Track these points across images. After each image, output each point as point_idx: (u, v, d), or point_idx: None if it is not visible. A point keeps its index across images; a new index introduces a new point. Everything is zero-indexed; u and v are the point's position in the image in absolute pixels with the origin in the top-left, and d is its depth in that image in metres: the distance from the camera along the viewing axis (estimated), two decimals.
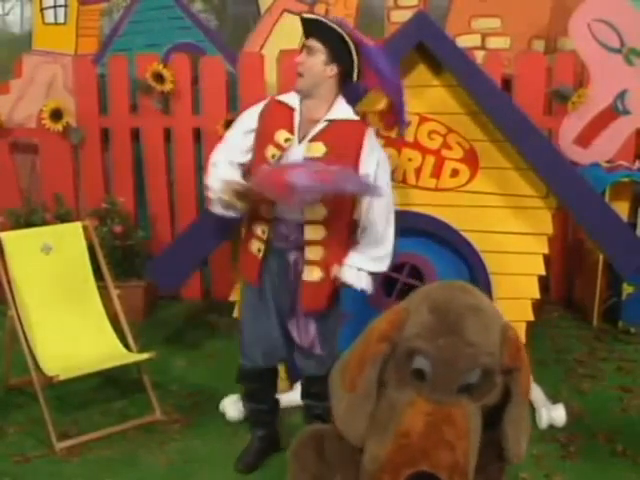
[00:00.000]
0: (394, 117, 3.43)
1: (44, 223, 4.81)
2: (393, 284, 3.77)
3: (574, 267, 5.60)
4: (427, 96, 3.77)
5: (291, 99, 3.13)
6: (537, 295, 3.84)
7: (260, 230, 3.12)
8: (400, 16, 5.83)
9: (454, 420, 1.86)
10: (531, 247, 3.80)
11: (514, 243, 3.78)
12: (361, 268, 3.12)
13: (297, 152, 3.04)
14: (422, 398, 1.90)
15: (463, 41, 5.76)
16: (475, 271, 3.81)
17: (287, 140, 3.04)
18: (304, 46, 3.05)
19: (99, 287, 4.07)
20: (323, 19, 3.06)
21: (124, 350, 3.91)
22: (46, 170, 5.76)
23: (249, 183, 3.01)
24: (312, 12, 6.07)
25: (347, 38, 3.00)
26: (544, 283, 4.35)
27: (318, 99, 3.07)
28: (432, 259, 3.82)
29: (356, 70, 3.06)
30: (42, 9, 6.24)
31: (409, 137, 3.77)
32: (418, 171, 3.80)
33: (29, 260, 3.89)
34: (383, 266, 3.18)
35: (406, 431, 1.86)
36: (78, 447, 3.55)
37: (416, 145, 3.79)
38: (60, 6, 6.22)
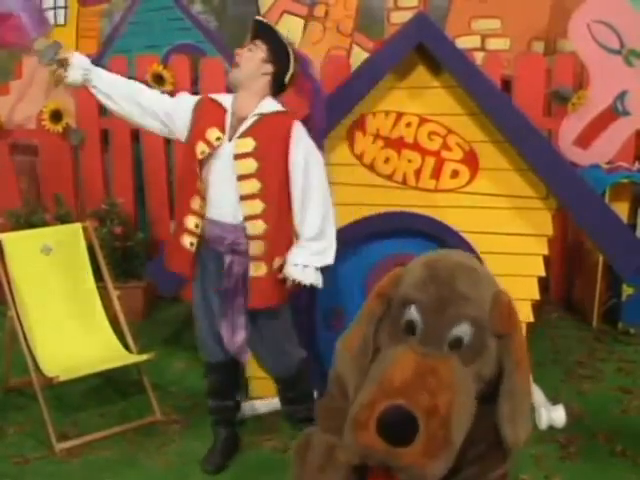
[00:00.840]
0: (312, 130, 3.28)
1: (44, 224, 4.81)
2: None
3: (574, 268, 5.60)
4: (427, 97, 3.77)
5: (224, 99, 3.18)
6: (537, 296, 3.84)
7: (193, 224, 3.12)
8: (400, 17, 5.83)
9: (439, 372, 1.85)
10: (531, 248, 3.80)
11: (514, 244, 3.78)
12: (306, 264, 3.09)
13: (226, 149, 3.07)
14: (411, 350, 1.91)
15: (463, 42, 5.77)
16: None
17: (218, 139, 3.07)
18: (247, 44, 3.14)
19: (99, 288, 4.08)
20: (273, 26, 3.22)
21: (124, 351, 3.91)
22: (46, 171, 5.76)
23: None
24: (313, 15, 6.08)
25: (289, 49, 3.12)
26: (544, 284, 4.34)
27: (249, 93, 3.12)
28: None
29: (289, 75, 3.14)
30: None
31: (409, 138, 3.77)
32: (418, 172, 3.80)
33: (29, 261, 3.89)
34: (328, 259, 3.16)
35: (390, 377, 1.86)
36: (78, 448, 3.56)
37: (416, 146, 3.79)
38: (60, 7, 6.22)
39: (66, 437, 3.63)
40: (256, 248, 3.06)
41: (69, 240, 4.05)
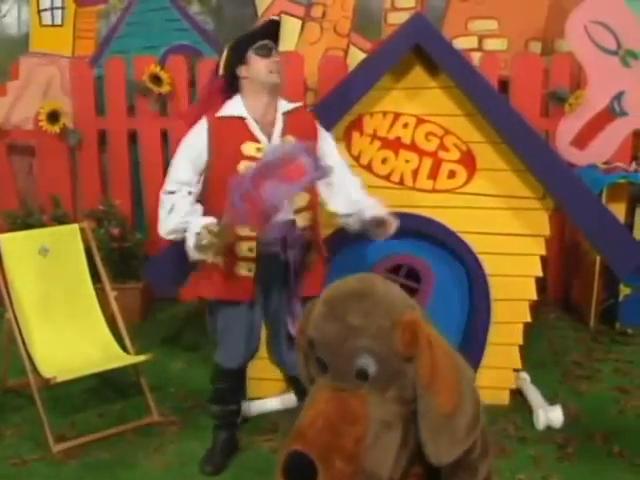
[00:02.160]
0: None
1: (41, 225, 4.81)
2: None
3: (571, 268, 5.60)
4: (424, 98, 3.77)
5: (234, 110, 3.14)
6: (534, 296, 3.84)
7: (247, 248, 3.10)
8: (397, 18, 5.82)
9: (347, 407, 1.85)
10: (528, 248, 3.80)
11: (511, 244, 3.79)
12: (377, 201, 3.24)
13: None
14: (325, 386, 1.91)
15: (460, 43, 5.76)
16: (472, 273, 3.81)
17: (259, 149, 3.06)
18: (269, 48, 3.10)
19: (96, 289, 4.07)
20: (277, 19, 3.23)
21: (121, 352, 3.91)
22: (43, 172, 5.76)
23: (224, 223, 2.93)
24: (310, 16, 6.08)
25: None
26: (541, 284, 4.35)
27: (273, 98, 3.16)
28: (429, 261, 3.83)
29: None
30: (39, 11, 6.22)
31: (406, 139, 3.78)
32: (415, 173, 3.81)
33: (26, 262, 3.89)
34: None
35: (300, 419, 1.88)
36: (75, 449, 3.55)
37: (413, 147, 3.79)
38: (57, 8, 6.20)
39: (64, 438, 3.63)
40: (307, 237, 3.17)
41: (66, 241, 4.05)
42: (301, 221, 3.11)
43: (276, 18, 3.25)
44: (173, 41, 6.27)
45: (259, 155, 3.02)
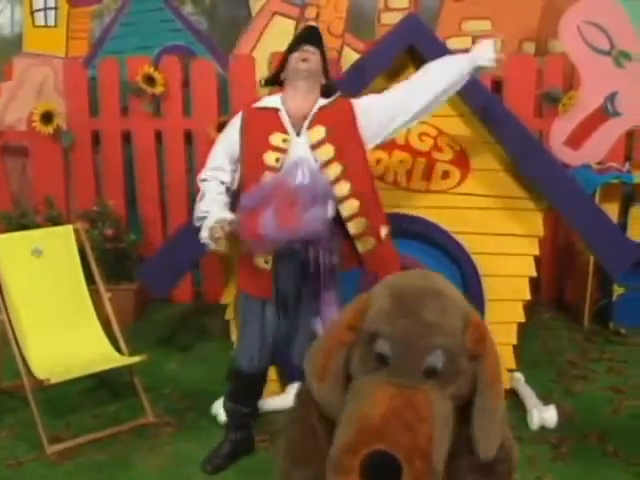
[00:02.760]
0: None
1: (35, 226, 4.80)
2: None
3: (565, 269, 5.61)
4: None
5: (270, 102, 3.19)
6: (528, 296, 3.85)
7: None
8: (391, 18, 5.83)
9: (416, 404, 1.85)
10: (522, 249, 3.81)
11: (505, 245, 3.79)
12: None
13: (298, 145, 3.08)
14: (385, 382, 1.90)
15: (453, 43, 5.76)
16: (466, 273, 3.82)
17: (285, 140, 3.07)
18: (303, 50, 3.11)
19: (90, 290, 4.06)
20: (323, 37, 3.21)
21: (115, 353, 3.90)
22: (37, 173, 5.75)
23: (236, 223, 2.96)
24: (304, 17, 6.08)
25: (325, 48, 3.19)
26: (535, 284, 4.36)
27: (310, 93, 3.15)
28: (423, 261, 3.83)
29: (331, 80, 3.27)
30: (32, 12, 6.21)
31: (400, 139, 3.78)
32: (409, 173, 3.81)
33: (20, 263, 3.88)
34: None
35: (367, 414, 1.85)
36: (70, 451, 3.54)
37: (407, 147, 3.79)
38: (50, 8, 6.19)
39: (58, 439, 3.62)
40: (358, 226, 3.12)
41: (60, 242, 4.04)
42: (346, 210, 3.09)
43: (312, 24, 3.27)
44: (167, 42, 6.26)
45: (285, 146, 3.05)
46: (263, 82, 3.31)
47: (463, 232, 3.79)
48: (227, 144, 3.20)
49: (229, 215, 3.04)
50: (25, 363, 3.65)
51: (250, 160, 3.11)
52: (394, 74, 3.75)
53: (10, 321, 3.73)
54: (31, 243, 3.95)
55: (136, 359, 3.80)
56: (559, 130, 4.66)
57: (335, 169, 3.07)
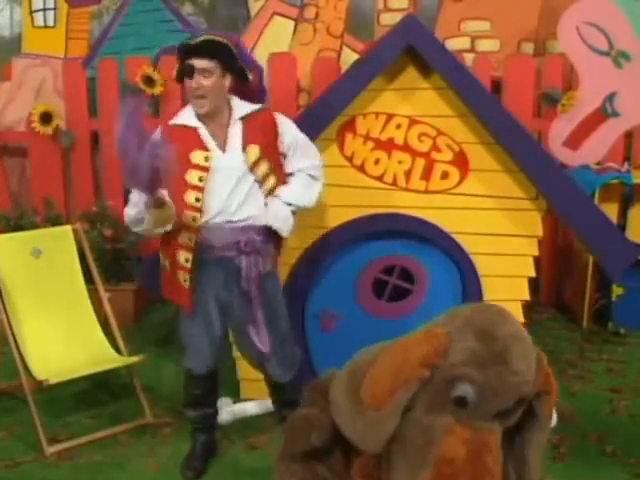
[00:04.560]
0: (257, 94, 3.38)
1: (34, 227, 4.80)
2: (383, 286, 3.77)
3: (564, 269, 5.62)
4: (417, 99, 3.78)
5: (187, 119, 3.14)
6: (527, 297, 3.85)
7: (184, 259, 3.10)
8: (390, 19, 5.83)
9: (491, 446, 1.86)
10: (521, 249, 3.81)
11: (504, 245, 3.79)
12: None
13: (227, 160, 3.07)
14: (461, 425, 1.87)
15: (453, 44, 5.77)
16: (465, 273, 3.82)
17: (207, 158, 3.05)
18: (193, 69, 3.02)
19: (89, 290, 4.07)
20: (208, 37, 3.07)
21: (114, 353, 3.90)
22: (36, 173, 5.74)
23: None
24: (303, 17, 6.07)
25: (230, 46, 3.08)
26: (534, 285, 4.35)
27: (221, 109, 3.13)
28: (422, 261, 3.83)
29: (247, 70, 3.18)
30: (31, 12, 6.21)
31: (399, 140, 3.78)
32: (408, 174, 3.81)
33: (19, 264, 3.88)
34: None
35: (449, 458, 1.83)
36: (68, 451, 3.55)
37: (406, 148, 3.79)
38: (49, 9, 6.19)
39: (57, 440, 3.62)
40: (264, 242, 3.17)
41: (59, 243, 4.04)
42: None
43: (190, 42, 3.09)
44: (166, 42, 6.24)
45: (207, 164, 3.04)
46: (175, 77, 3.18)
47: (462, 232, 3.79)
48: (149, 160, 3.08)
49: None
50: (24, 363, 3.65)
51: (172, 179, 2.98)
52: (393, 75, 3.75)
53: (9, 321, 3.73)
54: (30, 244, 3.96)
55: (135, 359, 3.80)
56: (558, 130, 4.64)
57: (271, 183, 3.14)
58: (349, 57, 5.83)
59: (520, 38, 5.98)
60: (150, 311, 5.50)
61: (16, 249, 3.91)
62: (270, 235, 3.15)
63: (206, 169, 3.04)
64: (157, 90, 5.50)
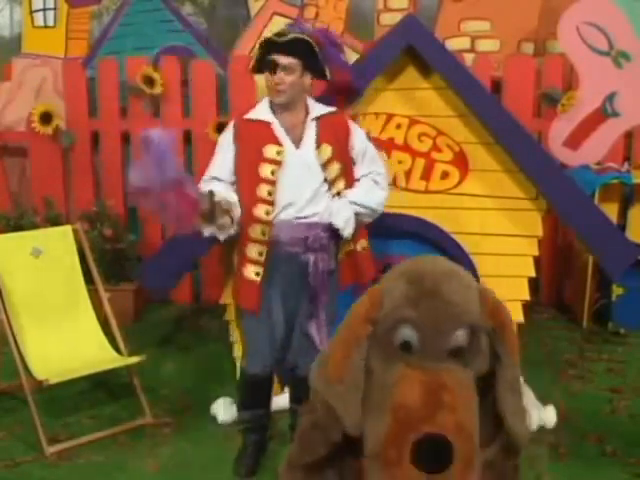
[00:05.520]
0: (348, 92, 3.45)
1: (34, 227, 4.80)
2: None
3: (564, 269, 5.62)
4: (417, 99, 3.78)
5: (261, 114, 3.16)
6: (527, 297, 3.85)
7: (257, 252, 3.11)
8: (390, 19, 5.83)
9: (449, 385, 1.83)
10: (521, 249, 3.81)
11: (504, 245, 3.79)
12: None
13: (300, 156, 3.09)
14: (413, 368, 1.87)
15: (453, 44, 5.77)
16: None
17: (279, 153, 3.07)
18: (275, 64, 3.04)
19: (89, 290, 4.07)
20: (292, 35, 3.08)
21: (114, 353, 3.90)
22: (36, 173, 5.75)
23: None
24: (303, 17, 6.08)
25: (314, 45, 3.08)
26: (534, 285, 4.36)
27: (297, 106, 3.15)
28: None
29: (327, 70, 3.17)
30: (31, 12, 6.21)
31: (399, 140, 3.78)
32: (408, 173, 3.81)
33: (19, 264, 3.88)
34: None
35: (403, 402, 1.83)
36: (68, 451, 3.54)
37: (406, 148, 3.79)
38: (49, 9, 6.19)
39: (57, 440, 3.62)
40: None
41: (59, 242, 4.04)
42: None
43: (275, 38, 3.10)
44: (166, 42, 6.26)
45: (280, 158, 3.07)
46: (251, 68, 3.21)
47: (462, 232, 3.79)
48: (227, 147, 3.17)
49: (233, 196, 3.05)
50: (24, 363, 3.64)
51: (245, 172, 3.10)
52: (393, 75, 3.75)
53: (9, 321, 3.73)
54: (30, 243, 3.95)
55: (135, 359, 3.80)
56: (558, 130, 4.64)
57: (340, 184, 3.16)
58: (349, 57, 5.83)
59: (520, 38, 5.98)
60: (150, 311, 5.50)
61: (16, 249, 3.91)
62: (333, 233, 3.16)
63: (278, 163, 3.07)
64: (157, 90, 5.50)
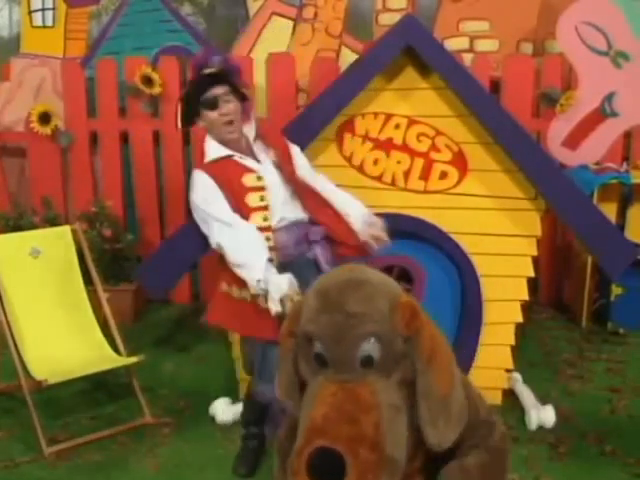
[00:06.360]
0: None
1: (33, 227, 4.80)
2: None
3: (563, 269, 5.62)
4: (415, 99, 3.78)
5: (218, 152, 3.13)
6: (526, 297, 3.85)
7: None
8: (389, 19, 5.83)
9: (358, 396, 1.84)
10: (520, 249, 3.81)
11: (503, 245, 3.79)
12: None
13: (273, 176, 3.14)
14: (327, 381, 1.90)
15: (451, 44, 5.77)
16: (464, 273, 3.82)
17: (260, 178, 3.09)
18: (214, 99, 3.04)
19: (88, 291, 4.06)
20: (218, 67, 3.08)
21: (113, 354, 3.90)
22: (35, 174, 5.74)
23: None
24: (302, 17, 6.07)
25: (235, 70, 3.14)
26: (533, 285, 4.36)
27: (241, 133, 3.17)
28: (421, 261, 3.83)
29: (246, 90, 3.22)
30: (30, 12, 6.20)
31: (398, 140, 3.78)
32: (407, 174, 3.81)
33: (17, 264, 3.88)
34: None
35: (311, 415, 1.86)
36: (67, 452, 3.54)
37: (405, 148, 3.79)
38: (48, 9, 6.19)
39: (56, 441, 3.62)
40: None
41: (58, 243, 4.04)
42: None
43: (208, 71, 3.09)
44: (165, 42, 6.26)
45: (261, 183, 3.07)
46: (180, 124, 3.19)
47: (461, 232, 3.79)
48: (219, 199, 3.06)
49: (293, 282, 2.89)
50: (23, 364, 3.65)
51: (236, 207, 3.04)
52: (392, 75, 3.75)
53: (8, 322, 3.73)
54: (29, 244, 3.95)
55: (134, 360, 3.79)
56: (557, 130, 4.64)
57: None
58: (348, 57, 5.83)
59: (519, 38, 5.98)
60: (149, 311, 5.50)
61: (15, 249, 3.91)
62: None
63: (262, 188, 3.07)
64: (156, 90, 5.49)
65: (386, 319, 1.90)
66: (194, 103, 3.10)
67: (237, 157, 3.11)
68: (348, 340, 1.87)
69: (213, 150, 3.15)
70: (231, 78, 3.10)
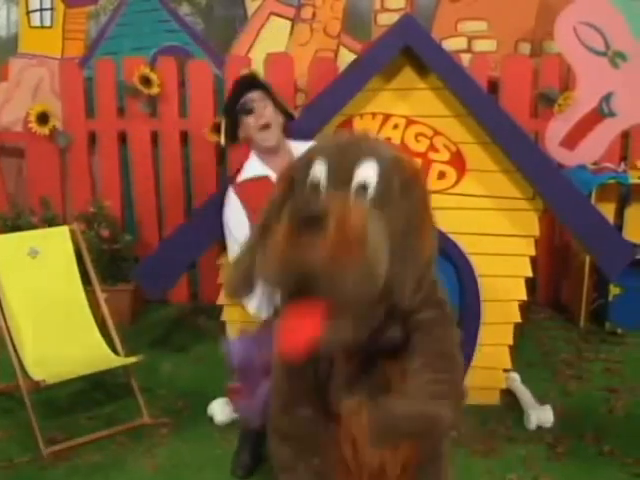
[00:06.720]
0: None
1: (31, 227, 4.79)
2: None
3: (561, 269, 5.62)
4: (414, 99, 3.78)
5: (255, 170, 3.11)
6: (524, 297, 3.85)
7: None
8: (387, 19, 5.84)
9: (348, 205, 1.83)
10: (518, 249, 3.81)
11: (501, 245, 3.79)
12: None
13: None
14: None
15: (449, 44, 5.78)
16: (462, 273, 3.82)
17: None
18: (250, 102, 3.05)
19: (86, 291, 4.06)
20: (249, 71, 3.15)
21: (111, 354, 3.89)
22: (33, 174, 5.74)
23: None
24: (300, 17, 6.07)
25: (269, 86, 3.13)
26: (531, 285, 4.36)
27: (283, 148, 3.14)
28: None
29: (288, 109, 3.20)
30: (28, 12, 6.20)
31: (396, 140, 3.78)
32: None
33: (16, 264, 3.87)
34: None
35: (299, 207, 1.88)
36: (65, 452, 3.54)
37: (403, 148, 3.79)
38: (46, 9, 6.18)
39: (54, 441, 3.61)
40: None
41: (56, 243, 4.04)
42: None
43: (245, 73, 3.14)
44: (163, 42, 6.26)
45: None
46: (224, 143, 3.19)
47: (459, 232, 3.78)
48: (244, 225, 3.00)
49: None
50: (21, 364, 3.64)
51: None
52: (390, 75, 3.75)
53: (6, 322, 3.72)
54: (27, 244, 3.95)
55: (132, 360, 3.79)
56: (555, 131, 4.66)
57: None
58: (346, 57, 5.83)
59: (517, 38, 5.99)
60: (147, 311, 5.50)
61: (13, 249, 3.90)
62: None
63: None
64: (154, 90, 5.49)
65: (390, 158, 1.97)
66: (233, 112, 3.10)
67: (272, 177, 3.04)
68: (353, 157, 1.91)
69: (252, 167, 3.14)
70: (267, 86, 3.10)
